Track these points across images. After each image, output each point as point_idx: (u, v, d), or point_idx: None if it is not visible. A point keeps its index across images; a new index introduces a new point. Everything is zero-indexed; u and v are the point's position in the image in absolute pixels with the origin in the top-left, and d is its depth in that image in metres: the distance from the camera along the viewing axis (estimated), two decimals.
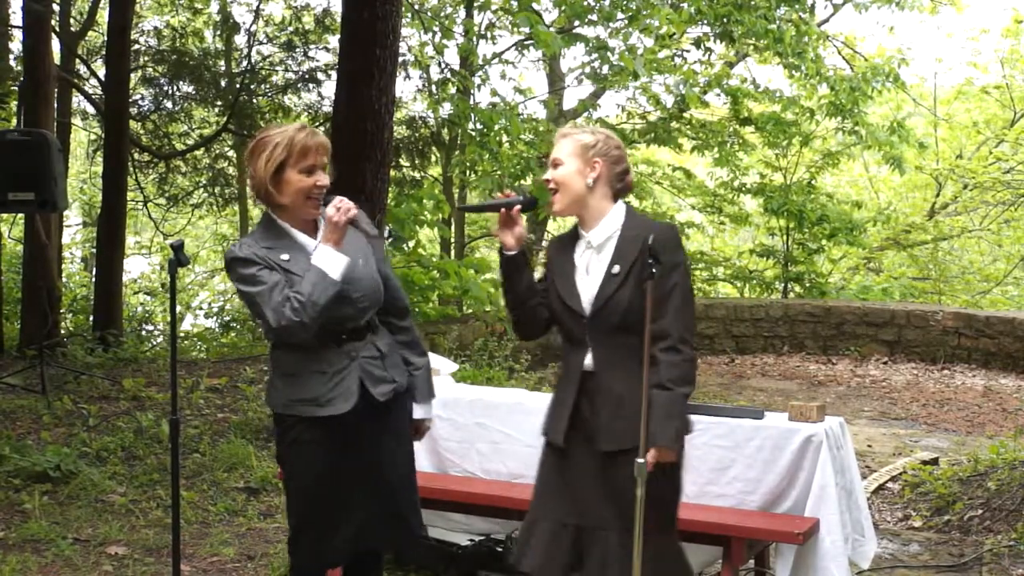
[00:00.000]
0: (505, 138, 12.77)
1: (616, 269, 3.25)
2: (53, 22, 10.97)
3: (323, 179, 3.32)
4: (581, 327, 3.29)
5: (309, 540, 3.42)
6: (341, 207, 3.26)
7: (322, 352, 3.33)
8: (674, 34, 13.93)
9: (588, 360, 3.30)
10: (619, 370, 3.24)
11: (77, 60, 13.36)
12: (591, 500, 3.27)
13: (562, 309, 3.33)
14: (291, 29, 13.50)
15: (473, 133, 12.60)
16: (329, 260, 3.23)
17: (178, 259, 3.32)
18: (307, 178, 3.30)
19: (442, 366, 5.19)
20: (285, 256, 3.30)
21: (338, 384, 3.32)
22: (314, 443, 3.36)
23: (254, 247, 3.30)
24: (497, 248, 3.45)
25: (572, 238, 3.41)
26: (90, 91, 13.52)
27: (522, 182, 13.25)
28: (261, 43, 13.85)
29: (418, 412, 3.55)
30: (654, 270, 3.07)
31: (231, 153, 14.61)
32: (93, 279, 12.14)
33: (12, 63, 12.20)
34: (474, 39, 13.68)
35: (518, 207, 3.34)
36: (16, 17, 11.71)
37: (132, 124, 12.01)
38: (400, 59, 9.99)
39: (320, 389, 3.32)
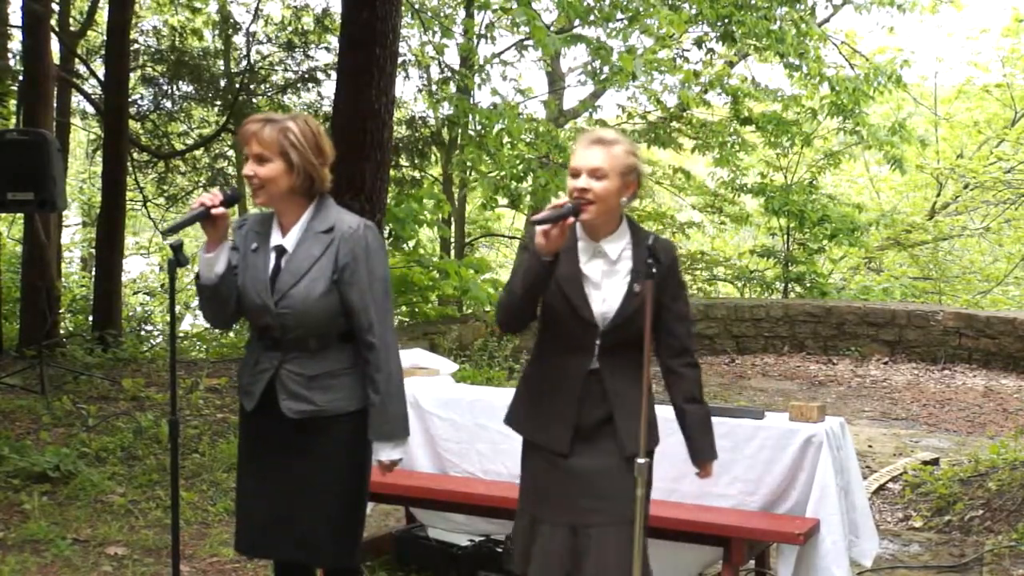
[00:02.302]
0: (506, 139, 12.75)
1: (637, 288, 3.22)
2: (52, 22, 10.95)
3: (247, 169, 3.19)
4: (590, 335, 3.25)
5: (237, 520, 3.41)
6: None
7: (256, 346, 3.31)
8: (674, 34, 13.92)
9: (593, 366, 3.26)
10: (625, 376, 3.23)
11: (76, 60, 13.35)
12: (589, 500, 3.24)
13: (569, 315, 3.25)
14: (291, 29, 13.49)
15: (472, 133, 12.60)
16: (200, 258, 3.25)
17: (177, 259, 3.31)
18: (244, 165, 3.24)
19: (442, 366, 5.19)
20: (254, 245, 3.29)
21: (256, 382, 3.27)
22: (244, 430, 3.39)
23: (247, 225, 3.33)
24: (521, 248, 3.27)
25: (570, 239, 3.28)
26: (89, 91, 13.51)
27: (523, 183, 13.25)
28: (261, 43, 13.86)
29: (376, 452, 3.26)
30: (654, 270, 3.05)
31: (230, 153, 14.61)
32: (92, 279, 12.13)
33: (11, 63, 12.19)
34: (474, 39, 13.66)
35: (572, 219, 3.16)
36: (16, 17, 11.70)
37: (131, 124, 12.00)
38: (400, 59, 9.98)
39: (246, 379, 3.32)
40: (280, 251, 3.25)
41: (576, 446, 3.27)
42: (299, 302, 3.18)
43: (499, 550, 4.69)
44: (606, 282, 3.24)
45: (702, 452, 3.37)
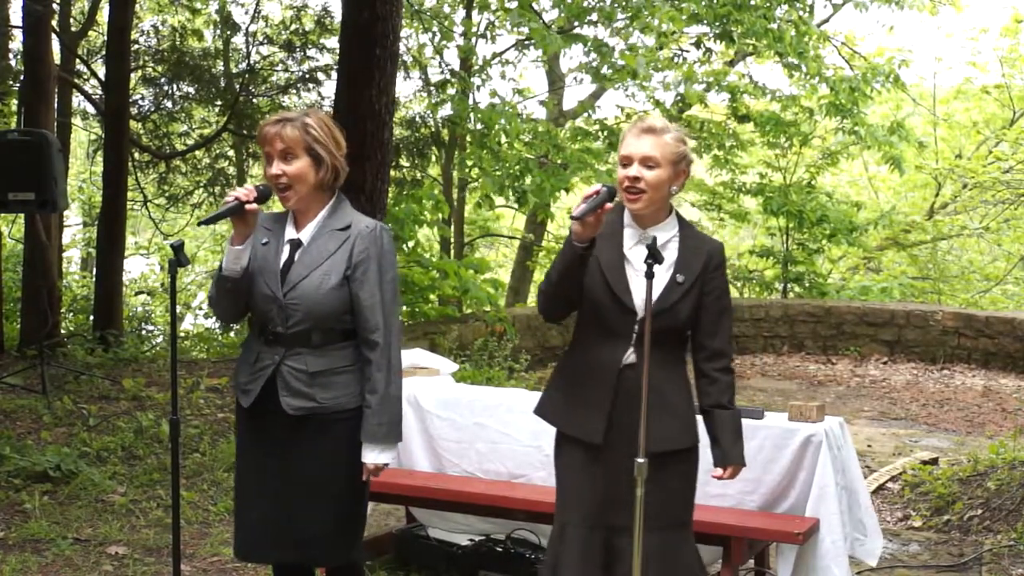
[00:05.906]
0: (504, 139, 12.75)
1: (681, 278, 3.19)
2: (53, 22, 10.96)
3: (275, 168, 3.22)
4: (628, 324, 3.17)
5: (235, 524, 3.41)
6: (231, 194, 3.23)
7: (255, 343, 3.32)
8: (674, 32, 13.91)
9: (629, 356, 3.18)
10: (662, 370, 3.15)
11: (77, 60, 13.36)
12: (629, 501, 3.10)
13: (609, 301, 3.18)
14: (291, 29, 13.50)
15: (474, 131, 12.60)
16: (227, 249, 3.26)
17: (178, 259, 3.32)
18: (268, 168, 3.27)
19: (442, 366, 5.20)
20: (264, 240, 3.33)
21: (256, 379, 3.27)
22: (242, 428, 3.40)
23: (258, 221, 3.35)
24: (565, 238, 3.12)
25: (616, 224, 3.25)
26: (90, 91, 13.52)
27: (522, 182, 13.23)
28: (261, 43, 13.85)
29: (363, 455, 3.22)
30: (654, 270, 3.04)
31: (231, 153, 14.62)
32: (93, 279, 12.13)
33: (12, 63, 12.19)
34: (474, 39, 13.67)
35: (609, 204, 3.06)
36: (16, 17, 11.71)
37: (132, 124, 12.00)
38: (400, 59, 9.99)
39: (245, 377, 3.32)
40: (295, 244, 3.29)
41: (610, 438, 3.16)
42: (309, 294, 3.21)
43: (499, 549, 4.71)
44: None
45: (725, 456, 3.23)
